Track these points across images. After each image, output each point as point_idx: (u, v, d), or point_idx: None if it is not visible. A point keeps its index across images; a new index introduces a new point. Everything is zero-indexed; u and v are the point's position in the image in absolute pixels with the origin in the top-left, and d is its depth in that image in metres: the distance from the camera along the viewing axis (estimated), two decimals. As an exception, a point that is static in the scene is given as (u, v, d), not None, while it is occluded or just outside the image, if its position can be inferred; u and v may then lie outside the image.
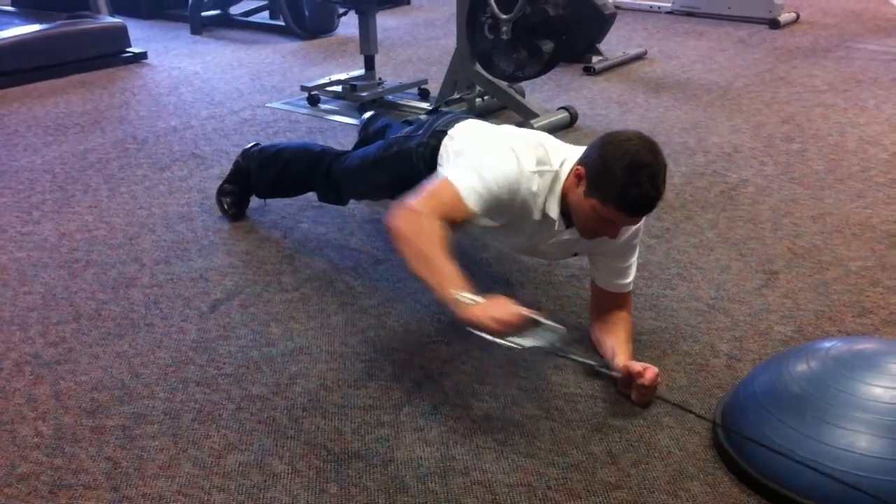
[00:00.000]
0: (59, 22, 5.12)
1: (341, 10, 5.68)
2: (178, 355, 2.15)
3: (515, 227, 2.02)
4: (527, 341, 1.72)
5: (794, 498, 1.62)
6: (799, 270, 2.58)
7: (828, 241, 2.78)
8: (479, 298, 1.72)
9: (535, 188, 1.91)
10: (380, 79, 4.49)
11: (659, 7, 6.94)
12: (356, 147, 2.80)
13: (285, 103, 4.40)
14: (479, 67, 3.98)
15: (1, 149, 3.69)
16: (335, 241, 2.76)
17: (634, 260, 2.12)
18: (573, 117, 4.03)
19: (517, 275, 2.56)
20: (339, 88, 4.38)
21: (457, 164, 2.01)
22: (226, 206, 2.92)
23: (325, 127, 4.02)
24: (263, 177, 2.79)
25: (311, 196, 2.76)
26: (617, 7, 5.72)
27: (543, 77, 4.08)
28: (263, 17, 6.68)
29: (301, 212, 2.97)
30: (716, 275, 2.56)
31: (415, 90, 4.59)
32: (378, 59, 4.54)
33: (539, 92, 4.55)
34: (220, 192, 2.95)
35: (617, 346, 2.02)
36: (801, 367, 1.74)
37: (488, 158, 1.93)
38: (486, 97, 4.20)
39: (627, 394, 1.95)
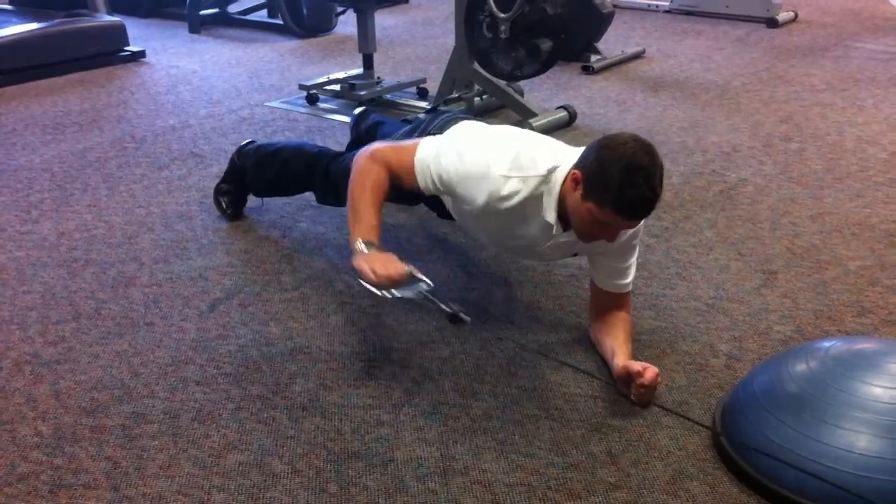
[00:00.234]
0: (57, 20, 5.11)
1: (339, 9, 5.66)
2: (177, 355, 2.15)
3: (511, 229, 2.03)
4: (398, 293, 1.89)
5: (793, 498, 1.62)
6: (798, 270, 2.59)
7: (827, 240, 2.78)
8: (373, 250, 1.91)
9: (504, 192, 1.92)
10: (378, 77, 4.48)
11: (657, 6, 6.94)
12: (351, 146, 2.80)
13: (284, 102, 4.40)
14: (477, 66, 3.98)
15: (-1, 147, 3.69)
16: (334, 241, 2.76)
17: (634, 260, 2.12)
18: (572, 116, 4.03)
19: (516, 274, 2.56)
20: (337, 87, 4.38)
21: (437, 138, 2.07)
22: (224, 206, 2.92)
23: (323, 126, 4.02)
24: (260, 175, 2.79)
25: (310, 196, 2.76)
26: (615, 6, 5.71)
27: (542, 76, 4.08)
28: (261, 15, 6.67)
29: (300, 211, 2.97)
30: (715, 274, 2.56)
31: (413, 89, 4.58)
32: (376, 57, 4.54)
33: (538, 91, 4.55)
34: (217, 192, 2.94)
35: (616, 346, 2.02)
36: (801, 367, 1.74)
37: (457, 151, 1.99)
38: (484, 96, 4.19)
39: (627, 394, 1.95)
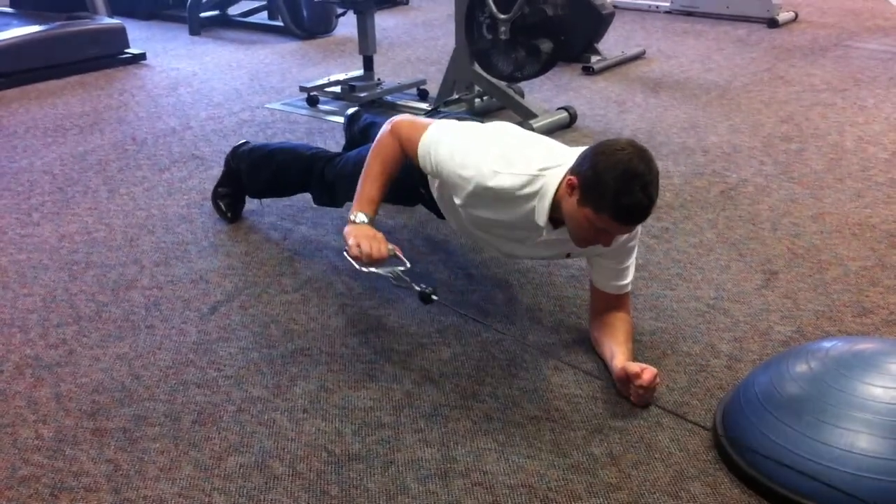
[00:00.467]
0: (57, 23, 5.12)
1: (339, 10, 5.68)
2: (178, 357, 2.15)
3: (493, 226, 2.07)
4: (372, 269, 2.03)
5: (793, 499, 1.62)
6: (798, 270, 2.59)
7: (827, 240, 2.78)
8: (366, 225, 2.05)
9: (490, 184, 1.93)
10: (378, 79, 4.49)
11: (657, 6, 6.95)
12: (345, 148, 2.80)
13: (284, 104, 4.40)
14: (477, 67, 3.98)
15: (0, 150, 3.69)
16: (334, 243, 2.76)
17: (632, 261, 2.12)
18: (572, 117, 4.03)
19: (517, 276, 2.56)
20: (337, 89, 4.39)
21: (445, 127, 2.11)
22: (223, 208, 2.92)
23: (324, 128, 4.02)
24: (256, 177, 2.79)
25: (309, 197, 2.76)
26: (615, 6, 5.72)
27: (542, 77, 4.08)
28: (262, 17, 6.68)
29: (300, 213, 2.97)
30: (715, 275, 2.56)
31: (413, 90, 4.59)
32: (377, 59, 4.55)
33: (538, 92, 4.55)
34: (216, 195, 2.95)
35: (616, 347, 2.02)
36: (801, 368, 1.74)
37: (450, 147, 2.03)
38: (485, 97, 4.20)
39: (627, 395, 1.95)
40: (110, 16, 5.72)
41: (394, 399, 1.98)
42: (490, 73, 3.91)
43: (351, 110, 3.10)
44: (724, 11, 6.58)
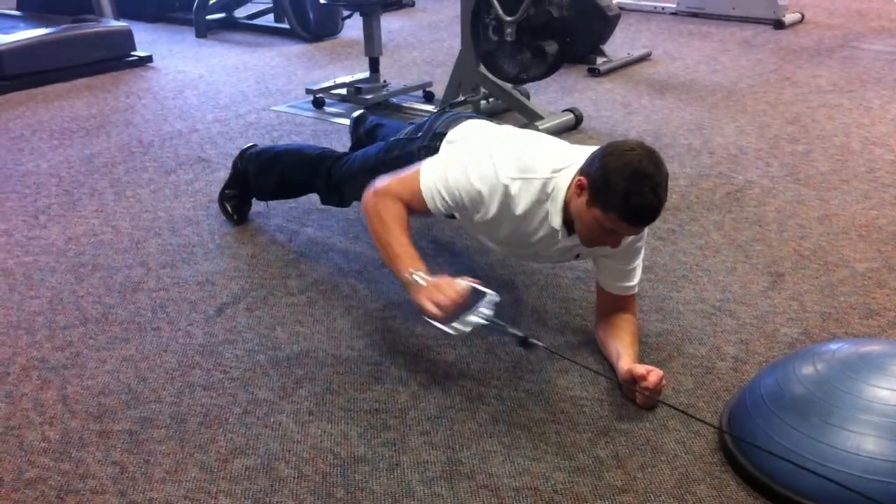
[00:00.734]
0: (64, 26, 5.14)
1: (346, 13, 5.70)
2: (184, 359, 2.15)
3: (516, 232, 2.03)
4: (467, 325, 1.88)
5: (799, 501, 1.61)
6: (805, 272, 2.58)
7: (834, 242, 2.77)
8: (429, 278, 1.87)
9: (512, 193, 1.92)
10: (384, 81, 4.49)
11: (663, 8, 6.94)
12: (352, 149, 2.80)
13: (290, 106, 4.41)
14: (483, 69, 3.98)
15: (7, 153, 3.70)
16: (340, 245, 2.77)
17: (639, 262, 2.12)
18: (578, 119, 4.03)
19: (522, 277, 2.56)
20: (343, 91, 4.39)
21: (441, 157, 2.07)
22: (229, 210, 2.93)
23: (330, 130, 4.03)
24: (263, 180, 2.80)
25: (315, 199, 2.76)
26: (621, 8, 5.71)
27: (548, 79, 4.07)
28: (268, 19, 6.68)
29: (306, 215, 2.98)
30: (722, 277, 2.56)
31: (419, 92, 4.59)
32: (383, 61, 4.55)
33: (544, 94, 4.55)
34: (222, 198, 2.95)
35: (622, 349, 2.02)
36: (808, 370, 1.74)
37: (462, 165, 1.97)
38: (490, 99, 4.20)
39: (633, 397, 1.95)
40: (117, 18, 5.74)
41: (399, 401, 1.98)
42: (496, 74, 3.91)
43: (357, 113, 3.11)
44: (731, 13, 6.57)
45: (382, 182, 2.04)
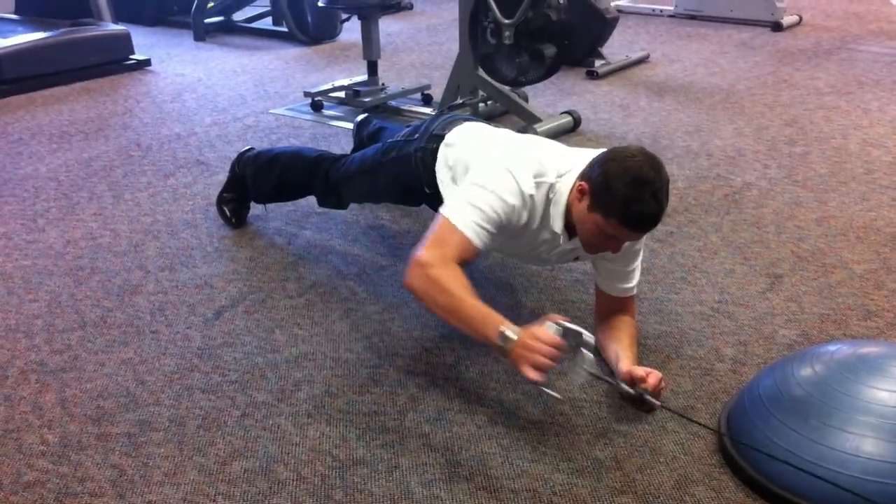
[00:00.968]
0: (62, 29, 5.14)
1: (344, 16, 5.71)
2: (183, 362, 2.15)
3: (518, 239, 2.03)
4: (579, 371, 1.73)
5: (798, 502, 1.61)
6: (803, 274, 2.58)
7: (832, 244, 2.77)
8: (518, 330, 1.70)
9: (536, 199, 1.92)
10: (383, 84, 4.50)
11: (661, 10, 6.95)
12: (354, 151, 2.80)
13: (289, 109, 4.41)
14: (481, 72, 3.98)
15: (5, 157, 3.70)
16: (339, 248, 2.77)
17: (638, 264, 2.12)
18: (576, 122, 4.03)
19: (521, 279, 2.56)
20: (342, 94, 4.40)
21: (456, 196, 1.96)
22: (227, 214, 2.93)
23: (328, 133, 4.03)
24: (261, 183, 2.80)
25: (314, 202, 2.76)
26: (619, 11, 5.72)
27: (546, 81, 4.07)
28: (266, 23, 6.69)
29: (305, 218, 2.98)
30: (720, 279, 2.56)
31: (418, 95, 4.60)
32: (381, 64, 4.56)
33: (542, 96, 4.56)
34: (220, 201, 2.95)
35: (621, 351, 2.02)
36: (806, 371, 1.74)
37: (485, 188, 1.89)
38: (489, 102, 4.20)
39: (633, 404, 1.94)
40: (115, 22, 5.74)
41: (398, 403, 1.98)
42: (494, 77, 3.92)
43: (361, 116, 3.10)
44: (728, 15, 6.58)
45: (420, 253, 1.84)
